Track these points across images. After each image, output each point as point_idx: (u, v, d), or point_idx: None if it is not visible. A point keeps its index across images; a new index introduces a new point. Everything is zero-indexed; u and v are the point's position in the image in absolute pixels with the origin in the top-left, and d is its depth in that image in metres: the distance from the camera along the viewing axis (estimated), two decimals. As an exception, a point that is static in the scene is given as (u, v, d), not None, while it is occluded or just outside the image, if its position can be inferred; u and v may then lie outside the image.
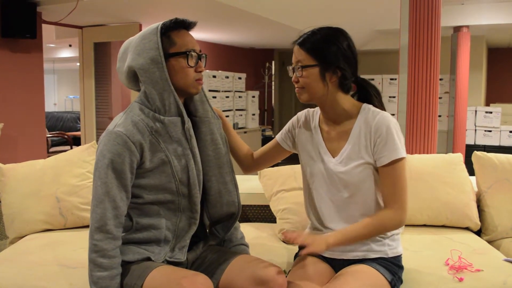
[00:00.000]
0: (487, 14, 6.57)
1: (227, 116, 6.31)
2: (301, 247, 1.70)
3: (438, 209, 2.12)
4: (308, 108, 1.69)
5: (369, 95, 1.58)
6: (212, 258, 1.56)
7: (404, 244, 1.67)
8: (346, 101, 1.55)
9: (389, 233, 1.55)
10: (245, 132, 7.21)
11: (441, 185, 2.15)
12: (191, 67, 1.47)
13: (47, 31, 5.55)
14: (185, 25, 1.50)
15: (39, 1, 4.36)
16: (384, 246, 1.53)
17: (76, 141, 7.66)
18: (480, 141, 6.79)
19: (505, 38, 8.36)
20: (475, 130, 6.82)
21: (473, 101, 7.80)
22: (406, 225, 2.12)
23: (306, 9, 5.51)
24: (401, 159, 1.46)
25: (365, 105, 1.55)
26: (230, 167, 1.61)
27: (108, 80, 6.26)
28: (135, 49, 1.46)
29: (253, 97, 7.64)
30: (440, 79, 6.73)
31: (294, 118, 1.71)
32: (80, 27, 5.72)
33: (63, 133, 8.25)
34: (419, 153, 3.45)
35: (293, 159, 1.82)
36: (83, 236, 1.90)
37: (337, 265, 1.57)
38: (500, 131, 6.70)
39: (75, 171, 2.19)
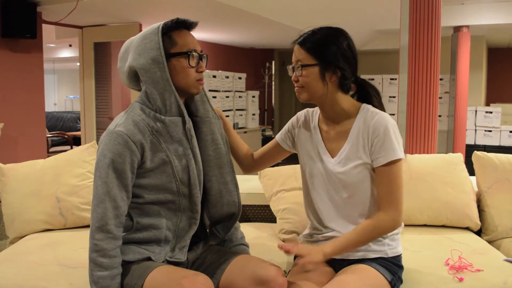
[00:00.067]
0: (487, 14, 6.57)
1: (227, 116, 6.30)
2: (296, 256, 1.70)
3: (438, 209, 2.12)
4: (308, 108, 1.69)
5: (368, 95, 1.58)
6: (212, 258, 1.56)
7: (404, 244, 1.67)
8: (346, 101, 1.55)
9: (388, 233, 1.55)
10: (245, 132, 7.21)
11: (441, 185, 2.14)
12: (192, 67, 1.47)
13: (47, 31, 5.55)
14: (187, 25, 1.50)
15: (39, 1, 4.36)
16: (383, 246, 1.53)
17: (76, 141, 7.66)
18: (480, 141, 6.78)
19: (505, 38, 8.36)
20: (475, 130, 6.82)
21: (473, 101, 7.80)
22: (406, 225, 2.12)
23: (306, 9, 5.51)
24: (398, 160, 1.46)
25: (364, 105, 1.55)
26: (230, 167, 1.61)
27: (108, 80, 6.26)
28: (136, 49, 1.46)
29: (253, 97, 7.64)
30: (440, 79, 6.73)
31: (294, 118, 1.71)
32: (80, 27, 5.72)
33: (63, 133, 8.25)
34: (419, 153, 3.45)
35: (293, 159, 1.82)
36: (83, 236, 1.90)
37: (337, 265, 1.57)
38: (500, 131, 6.70)
39: (75, 171, 2.19)
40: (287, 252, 1.45)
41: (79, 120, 7.59)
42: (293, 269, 1.59)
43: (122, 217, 1.42)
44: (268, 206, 2.28)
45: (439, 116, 7.02)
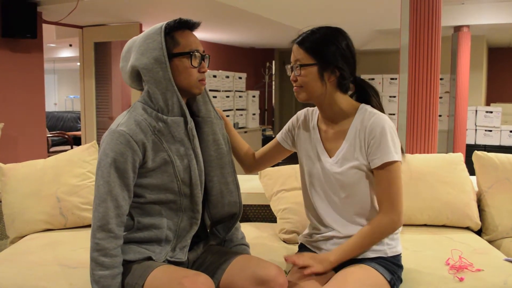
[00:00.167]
0: (487, 14, 6.57)
1: (227, 116, 6.30)
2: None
3: (438, 209, 2.12)
4: (308, 107, 1.69)
5: (367, 95, 1.58)
6: (213, 258, 1.56)
7: (404, 244, 1.67)
8: (344, 100, 1.55)
9: (390, 235, 1.55)
10: (245, 132, 7.21)
11: (442, 185, 2.14)
12: (195, 67, 1.48)
13: (48, 31, 5.55)
14: (189, 26, 1.50)
15: (39, 1, 4.37)
16: (383, 246, 1.53)
17: (77, 141, 7.66)
18: (481, 141, 6.78)
19: (506, 37, 8.36)
20: (476, 129, 6.82)
21: (474, 101, 7.80)
22: (407, 225, 2.13)
23: (306, 9, 5.51)
24: (394, 162, 1.46)
25: (362, 105, 1.55)
26: (232, 168, 1.61)
27: (108, 80, 6.26)
28: (138, 49, 1.46)
29: (254, 96, 7.64)
30: (441, 79, 6.74)
31: (294, 118, 1.72)
32: (81, 27, 5.72)
33: (63, 133, 8.25)
34: (420, 153, 3.45)
35: (293, 159, 1.82)
36: (84, 236, 1.91)
37: (337, 264, 1.57)
38: (501, 130, 6.70)
39: (75, 171, 2.19)
40: (293, 264, 1.47)
41: (79, 120, 7.60)
42: (293, 269, 1.59)
43: (123, 217, 1.42)
44: (268, 206, 2.29)
45: (440, 116, 7.01)
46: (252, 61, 9.58)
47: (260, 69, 9.69)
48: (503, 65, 9.57)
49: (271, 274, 1.42)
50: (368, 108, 1.54)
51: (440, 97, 6.09)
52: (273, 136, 5.70)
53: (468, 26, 6.84)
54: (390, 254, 1.53)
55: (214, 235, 1.66)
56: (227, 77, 6.99)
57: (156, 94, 1.44)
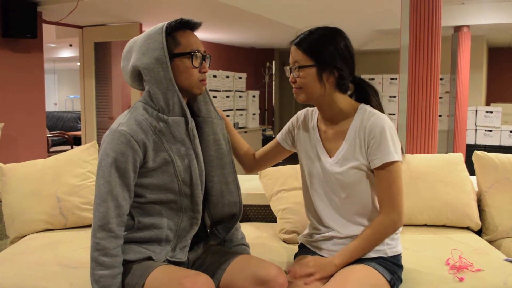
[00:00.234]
0: (487, 14, 6.57)
1: (227, 116, 6.30)
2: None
3: (438, 209, 2.12)
4: (308, 108, 1.69)
5: (367, 95, 1.58)
6: (213, 258, 1.56)
7: (404, 244, 1.67)
8: (344, 101, 1.54)
9: (391, 235, 1.55)
10: (245, 132, 7.21)
11: (442, 185, 2.14)
12: (196, 67, 1.48)
13: (48, 31, 5.55)
14: (190, 26, 1.50)
15: (39, 1, 4.37)
16: (383, 245, 1.53)
17: (77, 141, 7.66)
18: (481, 141, 6.78)
19: (506, 38, 8.36)
20: (476, 130, 6.82)
21: (474, 101, 7.80)
22: (407, 225, 2.13)
23: (306, 9, 5.51)
24: (394, 162, 1.46)
25: (362, 105, 1.55)
26: (232, 168, 1.61)
27: (108, 80, 6.26)
28: (140, 49, 1.46)
29: (254, 96, 7.64)
30: (441, 79, 6.74)
31: (294, 118, 1.72)
32: (81, 27, 5.72)
33: (63, 132, 8.25)
34: (420, 153, 3.45)
35: (293, 159, 1.83)
36: (84, 236, 1.91)
37: (337, 264, 1.57)
38: (501, 130, 6.70)
39: (75, 171, 2.19)
40: (298, 275, 1.47)
41: (80, 120, 7.60)
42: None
43: (124, 216, 1.42)
44: (268, 206, 2.29)
45: (440, 116, 7.01)
46: (252, 61, 9.58)
47: (260, 69, 9.69)
48: (503, 65, 9.58)
49: (271, 274, 1.42)
50: (368, 108, 1.53)
51: (440, 97, 6.09)
52: (273, 136, 5.70)
53: (468, 26, 6.85)
54: (390, 254, 1.53)
55: (214, 235, 1.66)
56: (227, 77, 6.99)
57: (157, 94, 1.44)
